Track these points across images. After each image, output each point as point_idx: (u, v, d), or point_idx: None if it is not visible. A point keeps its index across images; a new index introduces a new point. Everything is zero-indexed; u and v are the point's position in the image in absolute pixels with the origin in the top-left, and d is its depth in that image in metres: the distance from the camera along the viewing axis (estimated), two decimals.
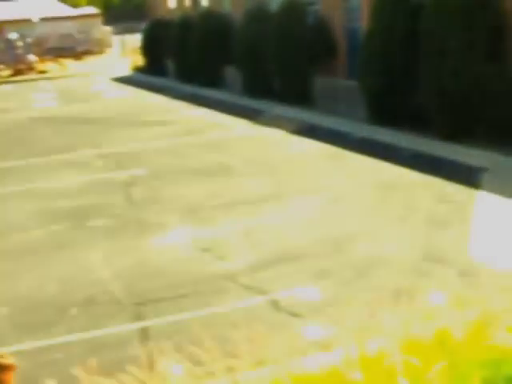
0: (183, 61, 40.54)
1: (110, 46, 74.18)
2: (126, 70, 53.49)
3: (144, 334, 10.12)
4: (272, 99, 30.12)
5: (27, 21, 68.50)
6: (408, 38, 22.06)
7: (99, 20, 74.87)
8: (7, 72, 58.51)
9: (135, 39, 59.39)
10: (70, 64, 62.49)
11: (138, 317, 10.76)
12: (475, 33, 20.06)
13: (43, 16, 70.20)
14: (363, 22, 26.10)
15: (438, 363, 4.47)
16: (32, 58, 60.49)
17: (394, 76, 22.54)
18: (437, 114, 21.04)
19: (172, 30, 42.33)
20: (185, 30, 40.05)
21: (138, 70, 51.70)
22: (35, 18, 69.49)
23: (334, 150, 20.82)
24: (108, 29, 76.00)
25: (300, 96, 28.83)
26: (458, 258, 11.98)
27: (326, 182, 17.65)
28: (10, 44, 63.36)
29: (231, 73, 35.40)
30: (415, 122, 22.00)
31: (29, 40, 64.69)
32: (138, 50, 51.85)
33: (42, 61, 60.92)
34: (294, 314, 10.30)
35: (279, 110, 28.15)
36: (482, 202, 14.99)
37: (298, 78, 28.86)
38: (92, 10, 79.23)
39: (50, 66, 60.61)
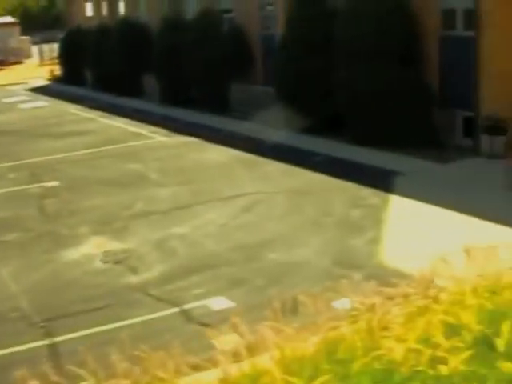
0: (101, 70, 40.05)
1: (28, 55, 72.71)
2: (44, 80, 52.58)
3: (52, 351, 9.91)
4: (190, 107, 30.02)
5: None
6: (323, 43, 22.26)
7: (17, 29, 73.33)
8: None
9: (54, 48, 58.46)
10: None
11: (48, 334, 10.53)
12: (388, 37, 20.37)
13: None
14: (279, 29, 26.27)
15: (323, 376, 4.47)
16: None
17: (310, 81, 22.71)
18: (351, 118, 21.31)
19: (89, 38, 41.80)
20: (102, 39, 39.60)
21: (56, 79, 50.86)
22: None
23: (249, 157, 20.85)
24: (26, 38, 74.54)
25: (218, 104, 28.85)
26: (368, 262, 12.12)
27: (241, 188, 17.65)
28: None
29: (149, 81, 35.15)
30: (332, 126, 22.22)
31: None
32: (57, 60, 50.97)
33: None
34: (205, 325, 10.23)
35: (197, 118, 28.09)
36: (395, 206, 15.23)
37: (216, 85, 28.87)
38: (9, 19, 77.59)
39: None
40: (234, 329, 8.91)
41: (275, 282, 11.67)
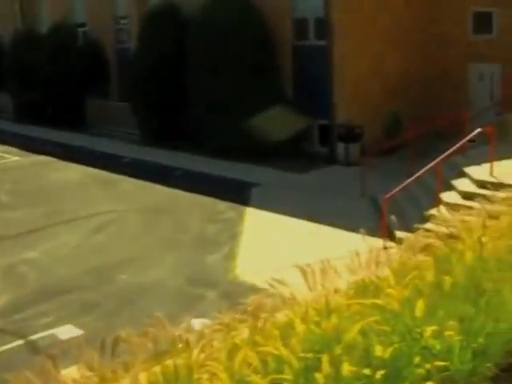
0: None
1: None
2: None
3: None
4: (46, 125, 29.00)
5: None
6: (176, 55, 21.98)
7: None
8: None
9: None
10: None
11: None
12: (240, 48, 20.34)
13: None
14: (134, 43, 25.78)
15: None
16: None
17: (164, 95, 22.41)
18: (206, 131, 21.13)
19: None
20: None
21: None
22: None
23: (105, 175, 20.29)
24: None
25: (74, 120, 28.07)
26: (222, 279, 11.93)
27: (96, 207, 17.09)
28: None
29: (3, 99, 33.77)
30: (187, 139, 22.00)
31: None
32: None
33: None
34: (52, 356, 9.70)
35: (52, 135, 27.11)
36: (251, 219, 15.15)
37: (71, 102, 28.08)
38: None
39: None
40: (77, 359, 8.45)
41: (126, 305, 11.29)
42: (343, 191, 16.58)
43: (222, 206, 16.26)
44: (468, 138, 14.02)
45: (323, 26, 19.93)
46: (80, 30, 30.02)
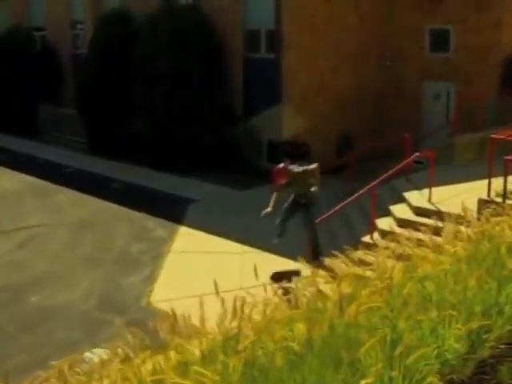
0: None
1: None
2: None
3: None
4: None
5: None
6: (123, 64, 21.22)
7: None
8: None
9: None
10: None
11: None
12: (187, 57, 19.64)
13: None
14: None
15: None
16: None
17: (111, 104, 21.66)
18: (151, 143, 20.41)
19: None
20: None
21: None
22: None
23: (44, 184, 19.50)
24: None
25: (25, 126, 27.19)
26: (134, 305, 11.20)
27: (25, 220, 16.31)
28: None
29: None
30: (133, 150, 21.26)
31: None
32: None
33: None
34: None
35: None
36: (180, 238, 14.45)
37: (22, 107, 27.23)
38: None
39: None
40: None
41: (28, 330, 10.51)
42: (279, 210, 15.83)
43: (154, 222, 15.53)
44: (406, 161, 13.37)
45: (274, 39, 19.26)
46: (38, 33, 29.20)
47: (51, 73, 27.52)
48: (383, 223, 12.70)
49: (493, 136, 12.13)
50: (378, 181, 12.78)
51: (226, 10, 20.07)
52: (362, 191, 12.88)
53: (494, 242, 6.30)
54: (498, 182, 11.97)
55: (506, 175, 11.30)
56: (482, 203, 11.15)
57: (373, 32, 20.43)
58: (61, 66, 27.62)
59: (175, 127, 19.69)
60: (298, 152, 18.84)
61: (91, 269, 12.99)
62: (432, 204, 12.70)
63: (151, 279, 12.22)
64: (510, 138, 11.96)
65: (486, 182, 11.97)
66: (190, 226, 15.10)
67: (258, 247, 13.51)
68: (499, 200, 10.98)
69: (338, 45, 19.78)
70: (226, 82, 20.27)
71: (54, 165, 21.93)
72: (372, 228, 12.51)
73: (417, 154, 13.67)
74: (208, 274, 12.29)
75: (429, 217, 11.93)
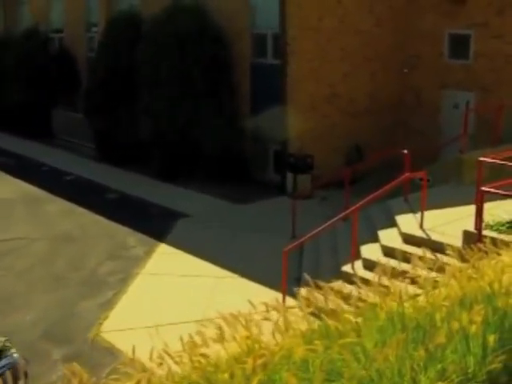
0: None
1: None
2: None
3: None
4: (15, 133, 27.64)
5: None
6: (129, 68, 20.35)
7: None
8: None
9: None
10: None
11: None
12: (189, 65, 18.66)
13: None
14: None
15: None
16: None
17: (118, 110, 20.83)
18: (154, 152, 19.53)
19: None
20: None
21: None
22: None
23: (39, 193, 18.80)
24: None
25: (40, 130, 26.64)
26: (83, 334, 10.26)
27: (6, 232, 15.55)
28: None
29: None
30: (137, 157, 20.45)
31: None
32: None
33: None
34: None
35: (11, 144, 25.70)
36: (157, 258, 13.52)
37: (37, 111, 26.65)
38: None
39: None
40: None
41: None
42: (278, 229, 14.76)
43: (136, 238, 14.62)
44: (392, 183, 12.12)
45: (278, 44, 18.17)
46: (57, 36, 28.63)
47: (67, 76, 26.85)
48: (368, 251, 11.53)
49: (481, 159, 10.88)
50: (359, 204, 11.57)
51: (232, 13, 19.03)
52: (337, 217, 11.74)
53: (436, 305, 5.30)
54: (496, 209, 10.75)
55: (479, 210, 9.98)
56: (468, 236, 9.95)
57: (389, 36, 19.17)
58: (76, 69, 26.93)
59: (178, 136, 18.76)
60: (300, 165, 17.79)
61: (53, 290, 12.12)
62: (423, 231, 11.46)
63: (110, 305, 11.29)
64: (499, 161, 10.67)
65: (491, 204, 10.72)
66: (171, 244, 14.16)
67: (236, 271, 12.46)
68: (489, 233, 9.70)
69: (350, 50, 18.59)
70: (231, 88, 19.23)
71: (56, 171, 21.25)
72: (353, 257, 11.32)
73: (407, 174, 12.44)
74: (173, 301, 11.36)
75: (418, 246, 10.77)
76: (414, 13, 19.13)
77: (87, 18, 26.74)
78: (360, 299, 7.33)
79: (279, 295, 10.41)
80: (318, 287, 8.92)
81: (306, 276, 11.47)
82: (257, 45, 19.14)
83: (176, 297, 11.49)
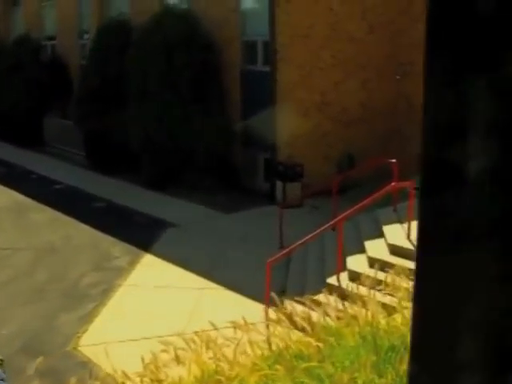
0: None
1: None
2: None
3: None
4: (7, 141, 27.43)
5: None
6: (120, 76, 20.10)
7: None
8: None
9: None
10: None
11: None
12: (178, 72, 18.41)
13: None
14: None
15: None
16: None
17: (108, 118, 20.57)
18: (144, 160, 19.28)
19: None
20: None
21: None
22: None
23: (28, 202, 18.58)
24: None
25: (31, 138, 26.42)
26: (60, 348, 10.01)
27: None
28: None
29: None
30: (128, 166, 20.19)
31: None
32: None
33: None
34: None
35: (2, 153, 25.48)
36: (142, 270, 13.24)
37: (30, 118, 26.42)
38: None
39: None
40: None
41: None
42: (267, 239, 14.46)
43: (120, 248, 14.36)
44: (379, 193, 11.87)
45: (268, 51, 17.94)
46: (50, 43, 28.43)
47: (58, 83, 26.61)
48: (354, 262, 11.27)
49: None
50: (345, 214, 11.32)
51: (222, 20, 18.80)
52: (324, 226, 11.49)
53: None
54: None
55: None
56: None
57: (382, 44, 18.93)
58: (68, 77, 26.69)
59: (166, 143, 18.50)
60: (289, 173, 17.54)
61: (33, 302, 11.85)
62: (410, 242, 11.20)
63: (89, 318, 11.02)
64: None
65: None
66: (156, 254, 13.89)
67: (222, 283, 12.18)
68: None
69: (343, 57, 18.35)
70: (221, 96, 18.98)
71: (45, 180, 21.03)
72: (339, 268, 11.06)
73: (393, 183, 12.19)
74: (153, 314, 11.09)
75: (405, 257, 10.52)
76: (407, 20, 18.90)
77: (79, 25, 26.53)
78: (340, 313, 7.10)
79: (262, 308, 10.16)
80: (300, 301, 8.70)
81: (290, 288, 11.32)
82: (247, 52, 18.92)
83: (157, 310, 11.22)
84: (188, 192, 18.31)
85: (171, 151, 18.59)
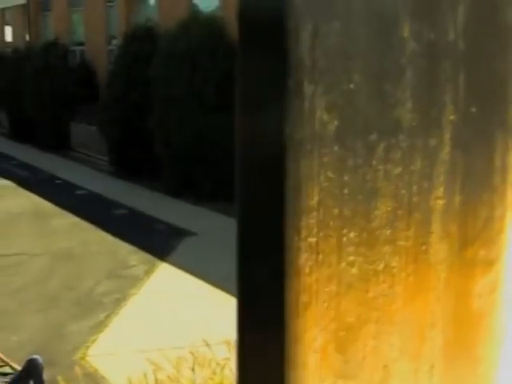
0: None
1: None
2: None
3: None
4: (36, 145, 27.56)
5: None
6: (146, 82, 19.94)
7: None
8: None
9: None
10: None
11: None
12: (203, 79, 18.21)
13: None
14: None
15: None
16: None
17: (132, 124, 20.45)
18: (165, 167, 19.11)
19: None
20: None
21: None
22: None
23: (48, 207, 18.47)
24: None
25: (59, 142, 26.43)
26: (67, 358, 9.79)
27: (7, 248, 15.13)
28: None
29: (3, 115, 32.45)
30: (152, 173, 20.04)
31: None
32: None
33: None
34: None
35: (28, 156, 25.57)
36: (158, 279, 13.00)
37: (57, 123, 26.45)
38: None
39: None
40: None
41: None
42: None
43: (138, 256, 14.14)
44: None
45: None
46: (79, 48, 28.47)
47: (86, 89, 26.61)
48: None
49: None
50: None
51: None
52: None
53: None
54: None
55: None
56: None
57: None
58: (96, 82, 26.68)
59: (189, 151, 18.30)
60: None
61: (43, 310, 11.65)
62: None
63: (100, 327, 10.79)
64: None
65: None
66: (173, 263, 13.66)
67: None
68: None
69: None
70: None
71: (69, 185, 20.92)
72: None
73: None
74: (165, 325, 10.83)
75: None
76: None
77: (108, 30, 26.51)
78: None
79: None
80: None
81: None
82: None
83: (170, 320, 10.97)
84: (209, 200, 18.08)
85: (193, 159, 18.38)
